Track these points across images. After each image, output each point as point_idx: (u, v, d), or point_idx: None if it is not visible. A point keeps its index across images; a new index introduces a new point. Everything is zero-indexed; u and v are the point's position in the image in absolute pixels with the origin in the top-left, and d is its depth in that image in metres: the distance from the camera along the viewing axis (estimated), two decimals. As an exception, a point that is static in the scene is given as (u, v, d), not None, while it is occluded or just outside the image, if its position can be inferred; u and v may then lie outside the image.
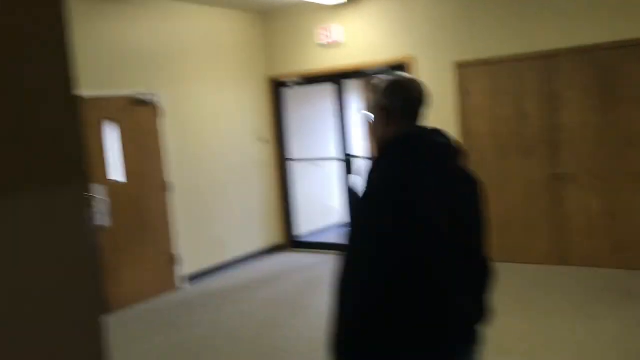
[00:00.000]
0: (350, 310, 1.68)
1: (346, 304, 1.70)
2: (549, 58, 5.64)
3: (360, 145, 9.02)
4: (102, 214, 5.46)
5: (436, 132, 1.87)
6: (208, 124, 6.69)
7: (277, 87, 7.48)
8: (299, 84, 7.27)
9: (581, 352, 3.83)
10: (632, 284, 5.09)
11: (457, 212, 1.79)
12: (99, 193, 5.44)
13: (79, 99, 1.48)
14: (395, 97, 1.84)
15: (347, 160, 7.23)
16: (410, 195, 1.68)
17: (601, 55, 5.38)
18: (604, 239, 5.56)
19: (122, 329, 5.07)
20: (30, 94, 1.16)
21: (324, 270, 6.45)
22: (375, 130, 1.88)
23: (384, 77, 1.89)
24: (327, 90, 7.51)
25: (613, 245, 5.52)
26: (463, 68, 6.12)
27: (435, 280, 1.71)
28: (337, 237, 7.92)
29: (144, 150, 5.92)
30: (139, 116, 5.89)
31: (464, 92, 6.14)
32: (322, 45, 7.01)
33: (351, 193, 1.66)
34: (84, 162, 1.27)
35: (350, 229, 1.74)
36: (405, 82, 1.88)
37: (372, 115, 1.89)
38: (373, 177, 1.76)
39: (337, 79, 7.09)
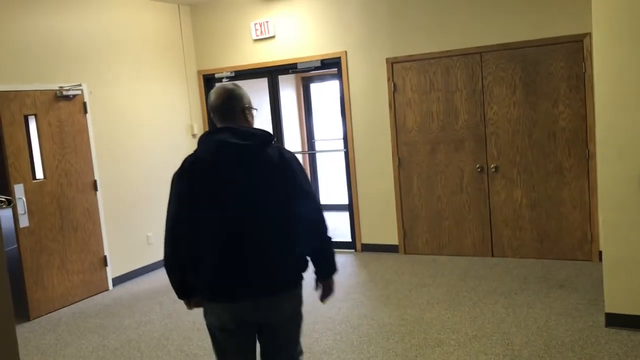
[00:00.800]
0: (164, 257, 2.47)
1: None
2: (477, 55, 5.78)
3: (295, 140, 9.00)
4: (22, 214, 5.18)
5: (227, 130, 2.42)
6: (136, 120, 6.46)
7: (209, 82, 7.32)
8: (231, 78, 7.15)
9: (510, 341, 3.95)
10: (556, 273, 5.30)
11: (241, 189, 2.38)
12: (19, 193, 5.15)
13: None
14: (210, 102, 2.53)
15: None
16: (188, 171, 2.42)
17: (525, 53, 5.57)
18: (529, 230, 5.76)
19: (48, 334, 4.83)
20: None
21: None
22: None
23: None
24: (260, 85, 7.43)
25: (538, 237, 5.74)
26: (395, 64, 6.18)
27: (204, 239, 2.38)
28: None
29: (68, 146, 5.65)
30: (63, 111, 5.61)
31: (395, 87, 6.21)
32: (255, 40, 6.91)
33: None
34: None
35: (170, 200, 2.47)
36: (216, 90, 2.54)
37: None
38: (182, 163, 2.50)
39: (270, 73, 7.01)
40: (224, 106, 2.49)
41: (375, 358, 3.87)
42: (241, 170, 2.38)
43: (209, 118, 7.33)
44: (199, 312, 2.61)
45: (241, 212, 2.38)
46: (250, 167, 2.39)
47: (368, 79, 6.37)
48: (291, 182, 2.45)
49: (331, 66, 6.66)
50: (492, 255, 5.97)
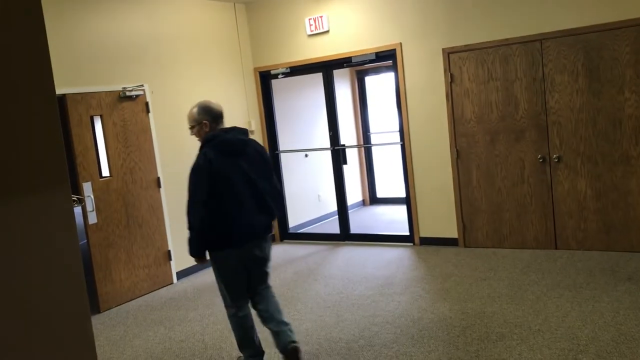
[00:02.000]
0: (195, 226, 3.47)
1: (192, 223, 3.47)
2: (536, 42, 5.62)
3: (352, 134, 9.00)
4: (91, 211, 5.41)
5: (231, 130, 3.61)
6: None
7: (265, 78, 7.43)
8: (286, 74, 7.22)
9: (575, 335, 3.85)
10: (624, 265, 5.11)
11: (243, 170, 3.54)
12: (87, 191, 5.38)
13: (57, 100, 1.44)
14: (206, 114, 3.64)
15: (337, 151, 7.20)
16: (210, 163, 3.45)
17: (587, 39, 5.37)
18: (595, 221, 5.58)
19: (117, 326, 5.04)
20: (14, 98, 1.13)
21: (315, 261, 6.44)
22: (199, 133, 3.66)
23: (199, 104, 3.69)
24: (315, 80, 7.47)
25: (604, 228, 5.55)
26: (451, 54, 6.09)
27: (225, 207, 3.49)
28: (329, 226, 7.91)
29: (132, 145, 5.86)
30: (127, 111, 5.82)
31: (452, 78, 6.12)
32: (309, 35, 6.96)
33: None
34: (64, 163, 1.24)
35: (189, 184, 3.49)
36: (211, 105, 3.69)
37: (196, 125, 3.65)
38: (198, 156, 3.53)
39: (325, 68, 7.04)
40: (221, 113, 3.67)
41: (435, 352, 3.85)
42: (245, 157, 3.57)
43: (266, 115, 7.43)
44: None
45: (245, 186, 3.54)
46: (249, 154, 3.59)
47: (424, 70, 6.30)
48: (268, 165, 3.72)
49: (386, 58, 6.63)
50: (556, 248, 5.81)
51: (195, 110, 3.66)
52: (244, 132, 3.65)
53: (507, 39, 5.76)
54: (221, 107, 3.72)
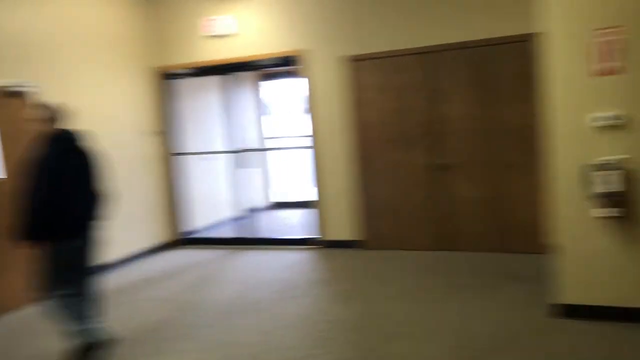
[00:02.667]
0: (37, 207, 3.61)
1: (35, 206, 3.60)
2: (432, 53, 5.87)
3: (252, 137, 8.97)
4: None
5: (69, 130, 3.83)
6: (89, 117, 6.32)
7: (165, 79, 7.23)
8: (188, 75, 7.07)
9: (466, 334, 4.03)
10: (511, 266, 5.43)
11: (77, 167, 3.76)
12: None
13: None
14: (55, 112, 3.83)
15: (240, 154, 7.14)
16: (58, 158, 3.68)
17: (478, 52, 5.69)
18: (487, 225, 5.90)
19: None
20: None
21: (216, 266, 6.35)
22: (45, 127, 3.77)
23: (46, 104, 3.88)
24: (219, 82, 7.38)
25: (496, 231, 5.87)
26: (354, 62, 6.23)
27: (63, 197, 3.66)
28: (229, 231, 7.83)
29: (23, 144, 5.49)
30: (14, 109, 5.46)
31: (355, 85, 6.25)
32: (213, 36, 6.86)
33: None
34: None
35: (38, 173, 3.63)
36: (50, 104, 3.88)
37: (44, 120, 3.79)
38: (48, 148, 3.69)
39: (229, 70, 6.98)
40: (61, 114, 3.85)
41: (334, 353, 3.91)
42: (80, 155, 3.83)
43: (166, 116, 7.24)
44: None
45: (81, 180, 3.80)
46: (80, 154, 3.84)
47: (329, 76, 6.40)
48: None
49: (292, 64, 6.67)
50: (451, 250, 6.09)
51: (45, 106, 3.86)
52: (77, 132, 3.89)
53: (405, 49, 5.97)
54: (64, 108, 3.93)
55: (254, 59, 6.70)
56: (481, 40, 5.64)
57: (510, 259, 5.63)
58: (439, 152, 5.99)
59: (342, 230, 6.58)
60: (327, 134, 6.49)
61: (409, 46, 5.96)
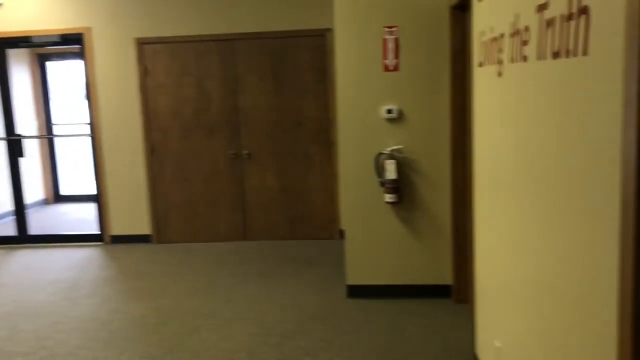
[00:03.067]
0: None
1: None
2: (229, 42, 5.83)
3: (33, 124, 8.07)
4: None
5: None
6: None
7: None
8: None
9: (264, 319, 4.08)
10: (305, 252, 5.64)
11: None
12: None
13: None
14: None
15: (13, 141, 6.35)
16: None
17: (276, 43, 5.78)
18: (281, 213, 6.04)
19: None
20: None
21: (-14, 268, 5.58)
22: None
23: None
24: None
25: (289, 219, 6.04)
26: (144, 45, 5.91)
27: None
28: (4, 228, 6.96)
29: None
30: None
31: (145, 70, 5.94)
32: (-23, 6, 5.98)
33: None
34: None
35: None
36: None
37: None
38: None
39: (-3, 46, 6.15)
40: None
41: (128, 352, 3.66)
42: None
43: None
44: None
45: None
46: None
47: (116, 59, 5.98)
48: None
49: (73, 43, 6.10)
50: (246, 240, 6.12)
51: None
52: None
53: (201, 35, 5.83)
54: None
55: (28, 34, 5.98)
56: (279, 31, 5.74)
57: (307, 246, 5.84)
58: (237, 142, 5.97)
59: (131, 225, 6.22)
60: (112, 121, 6.07)
61: (207, 32, 5.82)
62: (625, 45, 1.16)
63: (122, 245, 6.20)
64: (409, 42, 4.11)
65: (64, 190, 8.74)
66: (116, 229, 6.26)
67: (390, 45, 4.12)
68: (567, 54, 1.52)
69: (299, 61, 5.79)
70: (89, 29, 5.94)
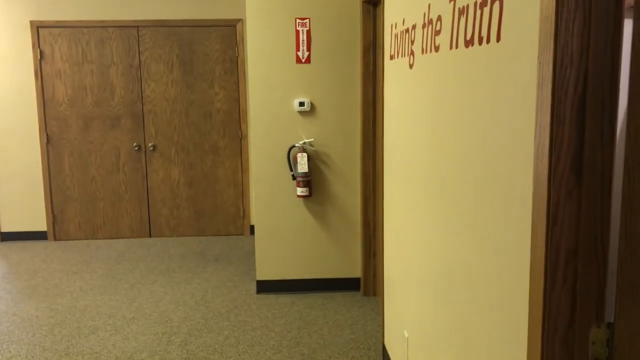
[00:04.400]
0: None
1: None
2: (132, 28, 5.56)
3: None
4: None
5: None
6: None
7: None
8: None
9: (169, 318, 3.91)
10: (212, 248, 5.49)
11: None
12: None
13: None
14: None
15: None
16: None
17: (182, 32, 5.59)
18: (187, 208, 5.84)
19: None
20: None
21: None
22: None
23: None
24: None
25: (195, 215, 5.86)
26: (40, 28, 5.52)
27: None
28: None
29: None
30: None
31: (41, 55, 5.55)
32: None
33: None
34: None
35: None
36: None
37: None
38: None
39: None
40: None
41: (18, 356, 3.39)
42: None
43: None
44: None
45: None
46: None
47: (8, 42, 5.54)
48: None
49: (-42, 23, 5.59)
50: (150, 236, 5.87)
51: None
52: None
53: (103, 21, 5.53)
54: None
55: None
56: (188, 20, 5.55)
57: (215, 242, 5.68)
58: (141, 134, 5.71)
59: (25, 220, 5.80)
60: (3, 108, 5.63)
61: (110, 18, 5.52)
62: (540, 29, 1.17)
63: (14, 242, 5.77)
64: (320, 34, 4.09)
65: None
66: (7, 226, 5.81)
67: (302, 37, 4.08)
68: (480, 41, 1.53)
69: (209, 51, 5.62)
70: (-24, 8, 5.46)
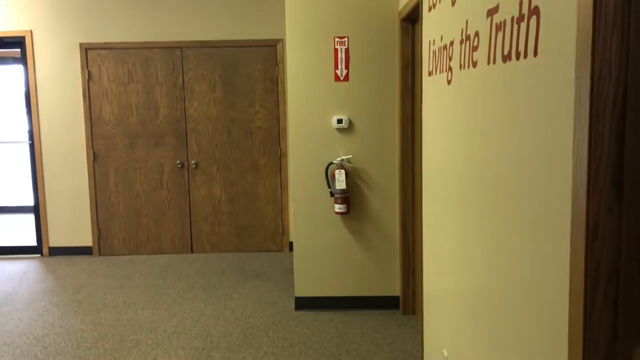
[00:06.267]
0: None
1: None
2: (176, 49, 5.71)
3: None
4: None
5: None
6: None
7: None
8: None
9: (209, 333, 3.95)
10: (252, 264, 5.53)
11: None
12: None
13: None
14: None
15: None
16: None
17: (224, 52, 5.71)
18: (227, 224, 5.91)
19: None
20: None
21: None
22: None
23: None
24: None
25: (236, 231, 5.92)
26: (89, 50, 5.73)
27: None
28: None
29: None
30: None
31: (89, 76, 5.75)
32: None
33: None
34: None
35: None
36: None
37: None
38: None
39: None
40: None
41: (63, 369, 3.47)
42: None
43: None
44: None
45: None
46: None
47: (58, 64, 5.77)
48: None
49: (12, 46, 5.85)
50: (192, 252, 5.96)
51: None
52: None
53: (147, 42, 5.70)
54: None
55: (-36, 36, 5.71)
56: (230, 40, 5.67)
57: (255, 258, 5.73)
58: (184, 152, 5.83)
59: (72, 236, 5.97)
60: (54, 128, 5.84)
61: (154, 39, 5.69)
62: (577, 43, 1.16)
63: (61, 257, 5.94)
64: (359, 52, 4.12)
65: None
66: (55, 241, 5.99)
67: (341, 56, 4.12)
68: (518, 56, 1.52)
69: (250, 71, 5.72)
70: (30, 32, 5.71)
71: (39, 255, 6.01)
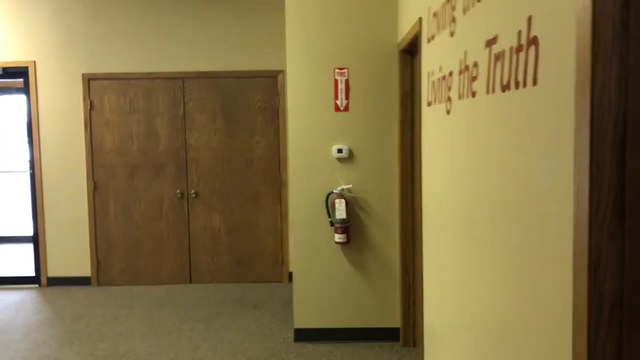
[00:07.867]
0: None
1: None
2: (178, 80, 5.76)
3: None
4: None
5: None
6: None
7: None
8: None
9: (206, 365, 3.89)
10: (251, 295, 5.48)
11: None
12: None
13: None
14: None
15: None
16: None
17: (226, 83, 5.76)
18: (227, 255, 5.88)
19: None
20: None
21: None
22: None
23: None
24: None
25: (235, 261, 5.89)
26: (91, 80, 5.78)
27: None
28: None
29: None
30: None
31: (91, 106, 5.79)
32: None
33: None
34: None
35: None
36: None
37: None
38: None
39: None
40: None
41: (57, 402, 3.41)
42: None
43: None
44: None
45: None
46: None
47: (61, 94, 5.81)
48: None
49: (16, 76, 5.90)
50: (191, 282, 5.91)
51: None
52: None
53: (150, 73, 5.75)
54: None
55: (-33, 66, 5.77)
56: (231, 71, 5.72)
57: (254, 289, 5.68)
58: (184, 182, 5.83)
59: (70, 266, 5.93)
60: (54, 157, 5.85)
61: (156, 70, 5.74)
62: (577, 70, 1.16)
63: (59, 287, 5.89)
64: (359, 83, 4.15)
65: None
66: (54, 271, 5.95)
67: (341, 86, 4.15)
68: (517, 85, 1.53)
69: (251, 101, 5.76)
70: (34, 62, 5.77)
71: (37, 285, 5.96)
